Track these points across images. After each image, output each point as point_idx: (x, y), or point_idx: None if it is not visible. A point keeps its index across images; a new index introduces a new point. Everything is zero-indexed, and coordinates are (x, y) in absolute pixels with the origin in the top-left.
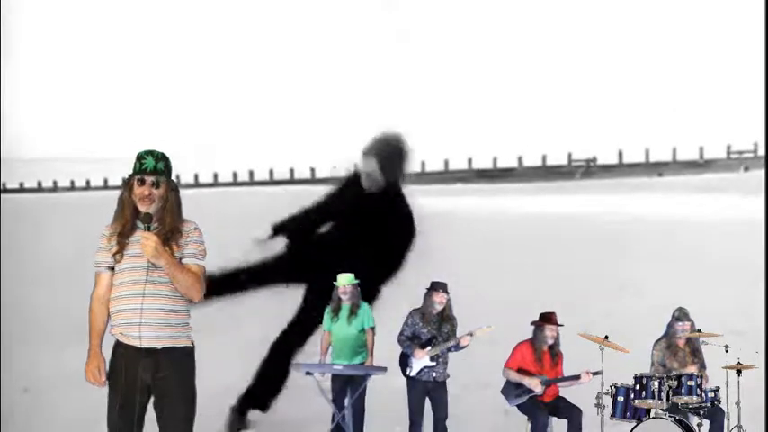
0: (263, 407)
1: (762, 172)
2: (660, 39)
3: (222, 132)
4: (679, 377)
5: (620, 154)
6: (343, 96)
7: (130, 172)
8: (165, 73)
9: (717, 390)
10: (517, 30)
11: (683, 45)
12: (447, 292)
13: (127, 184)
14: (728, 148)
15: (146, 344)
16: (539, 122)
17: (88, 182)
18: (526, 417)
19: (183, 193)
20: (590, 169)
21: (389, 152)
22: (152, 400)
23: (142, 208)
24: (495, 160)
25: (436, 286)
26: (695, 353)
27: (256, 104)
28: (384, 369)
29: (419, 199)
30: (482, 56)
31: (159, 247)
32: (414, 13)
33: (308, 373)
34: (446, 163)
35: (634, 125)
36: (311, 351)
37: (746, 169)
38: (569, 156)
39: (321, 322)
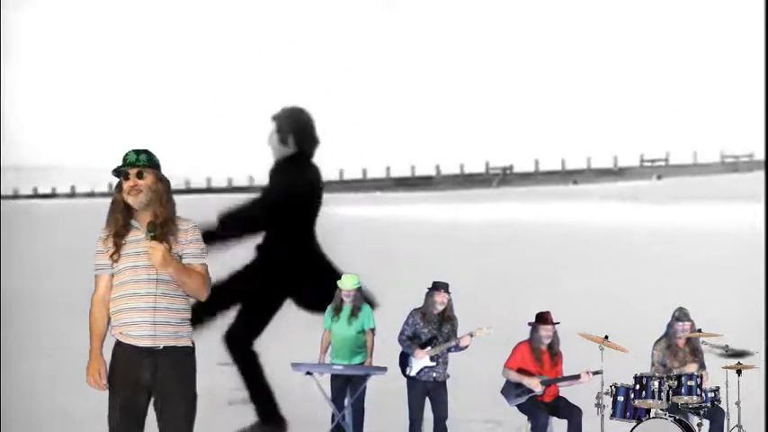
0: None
1: (762, 175)
2: (570, 46)
3: (218, 137)
4: (679, 377)
5: (537, 162)
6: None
7: (114, 172)
8: (163, 77)
9: (717, 390)
10: (434, 39)
11: (593, 53)
12: (448, 292)
13: (118, 185)
14: (642, 156)
15: (155, 343)
16: (456, 130)
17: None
18: (526, 417)
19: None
20: (507, 177)
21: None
22: (152, 399)
23: (131, 200)
24: (413, 168)
25: (438, 286)
26: (695, 352)
27: (245, 110)
28: (384, 369)
29: (337, 207)
30: (398, 65)
31: (167, 257)
32: (350, 26)
33: (308, 373)
34: (364, 171)
35: (550, 133)
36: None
37: (659, 177)
38: (487, 164)
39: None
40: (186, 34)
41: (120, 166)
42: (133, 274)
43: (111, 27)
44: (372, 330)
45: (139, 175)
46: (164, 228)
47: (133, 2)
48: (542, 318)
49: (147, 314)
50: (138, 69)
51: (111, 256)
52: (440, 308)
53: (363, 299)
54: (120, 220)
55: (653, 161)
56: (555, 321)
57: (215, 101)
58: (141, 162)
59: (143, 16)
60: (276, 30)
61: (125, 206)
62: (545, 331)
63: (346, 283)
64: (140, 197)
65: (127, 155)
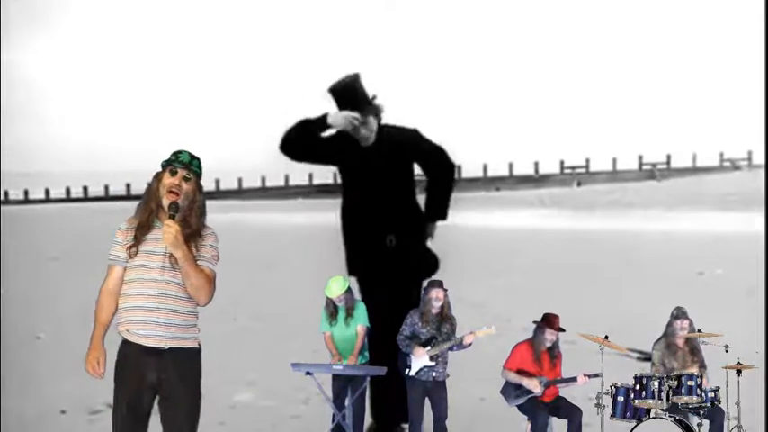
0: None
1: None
2: (569, 49)
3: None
4: (679, 377)
5: (459, 169)
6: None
7: (162, 163)
8: (162, 80)
9: (717, 390)
10: (429, 41)
11: (592, 57)
12: (444, 289)
13: (156, 177)
14: (562, 163)
15: (154, 343)
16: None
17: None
18: (526, 417)
19: None
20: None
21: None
22: (157, 399)
23: (165, 202)
24: (335, 175)
25: (433, 283)
26: (694, 352)
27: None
28: (384, 370)
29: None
30: (396, 65)
31: (180, 237)
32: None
33: (308, 373)
34: (286, 178)
35: (472, 141)
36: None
37: (579, 184)
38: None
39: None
40: (185, 36)
41: (173, 161)
42: (146, 272)
43: (111, 33)
44: (365, 328)
45: (186, 179)
46: (190, 239)
47: (131, 4)
48: (549, 321)
49: (155, 314)
50: (137, 72)
51: (130, 248)
52: (437, 305)
53: (354, 297)
54: (153, 211)
55: (573, 168)
56: (561, 328)
57: (214, 101)
58: (194, 166)
59: (142, 19)
60: (277, 30)
61: (158, 201)
62: (550, 335)
63: (334, 290)
64: (176, 200)
65: (181, 153)
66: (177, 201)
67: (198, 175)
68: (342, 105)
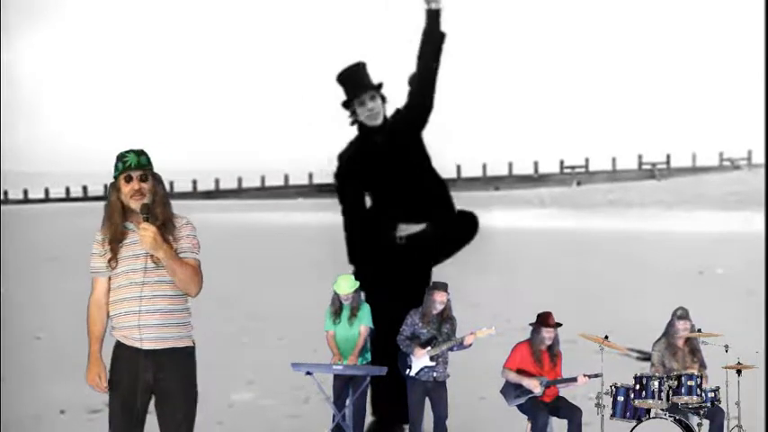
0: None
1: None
2: (570, 48)
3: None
4: (679, 377)
5: (459, 168)
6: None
7: (114, 174)
8: (158, 80)
9: (717, 390)
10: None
11: (592, 56)
12: (447, 292)
13: (113, 187)
14: (561, 163)
15: (147, 345)
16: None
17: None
18: (526, 417)
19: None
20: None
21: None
22: (153, 400)
23: (134, 205)
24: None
25: (438, 286)
26: (694, 352)
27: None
28: (384, 370)
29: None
30: (395, 66)
31: (158, 238)
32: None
33: (308, 373)
34: (286, 178)
35: (471, 141)
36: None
37: (579, 184)
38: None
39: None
40: (186, 35)
41: (123, 170)
42: (131, 277)
43: (110, 33)
44: (368, 329)
45: (143, 178)
46: (163, 228)
47: (124, 6)
48: (544, 320)
49: (146, 317)
50: (137, 72)
51: (109, 261)
52: (439, 307)
53: (361, 298)
54: (118, 224)
55: (573, 167)
56: (557, 323)
57: (214, 101)
58: (143, 164)
59: (142, 18)
60: (276, 30)
61: (122, 208)
62: (547, 333)
63: (344, 288)
64: (143, 201)
65: (127, 157)
66: (145, 202)
67: (151, 168)
68: (350, 90)
